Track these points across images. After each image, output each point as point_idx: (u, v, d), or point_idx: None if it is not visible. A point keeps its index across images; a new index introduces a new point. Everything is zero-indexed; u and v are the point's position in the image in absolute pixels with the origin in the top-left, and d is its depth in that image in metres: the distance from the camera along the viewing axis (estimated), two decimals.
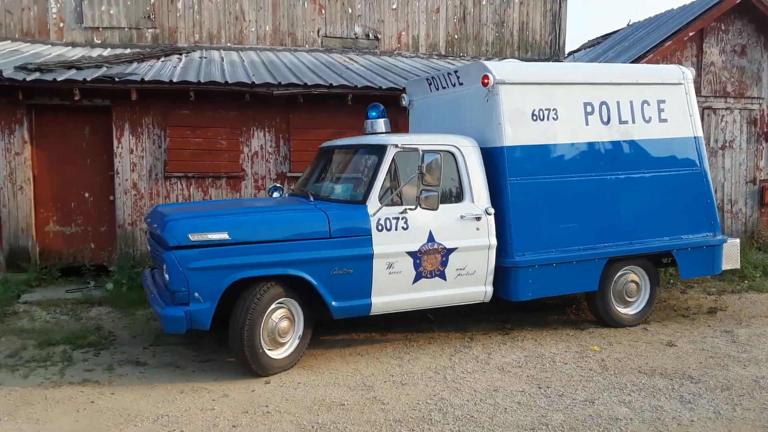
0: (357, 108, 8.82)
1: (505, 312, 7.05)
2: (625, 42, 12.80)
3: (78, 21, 11.87)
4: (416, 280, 5.50)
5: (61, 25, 11.79)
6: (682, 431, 4.20)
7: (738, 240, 7.12)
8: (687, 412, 4.48)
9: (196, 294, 4.83)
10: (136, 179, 8.99)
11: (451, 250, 5.59)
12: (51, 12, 11.77)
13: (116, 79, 8.30)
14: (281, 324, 5.18)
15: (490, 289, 5.89)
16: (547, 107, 6.06)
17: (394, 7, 13.15)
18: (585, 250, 6.15)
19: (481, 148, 5.95)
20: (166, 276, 4.91)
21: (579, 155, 6.21)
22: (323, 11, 12.94)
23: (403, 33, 13.32)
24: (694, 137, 6.73)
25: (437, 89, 6.84)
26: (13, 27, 11.64)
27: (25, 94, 8.38)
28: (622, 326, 6.52)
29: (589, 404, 4.61)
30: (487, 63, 6.06)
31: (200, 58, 10.88)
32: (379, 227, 5.32)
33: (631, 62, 10.32)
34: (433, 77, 6.88)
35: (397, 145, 5.55)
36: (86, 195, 9.02)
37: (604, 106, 6.29)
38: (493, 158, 5.93)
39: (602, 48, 13.87)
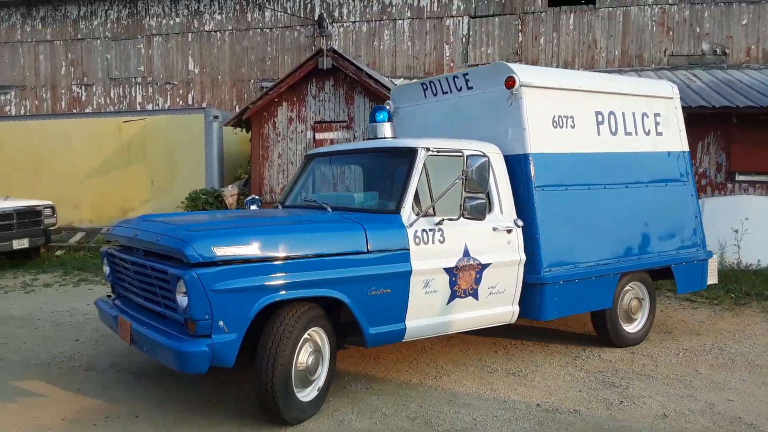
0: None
1: None
2: None
3: (463, 60, 15.49)
4: (450, 300, 4.85)
5: (452, 64, 15.52)
6: None
7: (716, 256, 6.89)
8: None
9: (221, 323, 3.87)
10: None
11: (485, 266, 4.99)
12: (445, 55, 15.60)
13: None
14: (311, 359, 4.27)
15: (517, 308, 5.32)
16: (565, 114, 5.70)
17: (744, 23, 13.66)
18: (603, 265, 5.72)
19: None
20: (182, 300, 3.88)
21: (593, 166, 5.84)
22: (671, 33, 14.16)
23: (752, 47, 13.75)
24: (683, 152, 6.60)
25: (434, 94, 6.32)
26: (418, 68, 15.76)
27: None
28: (626, 345, 6.01)
29: None
30: (510, 64, 5.51)
31: None
32: (417, 240, 4.63)
33: None
34: (430, 81, 6.32)
35: (428, 149, 4.87)
36: None
37: (612, 116, 6.06)
38: (516, 166, 5.38)
39: None
